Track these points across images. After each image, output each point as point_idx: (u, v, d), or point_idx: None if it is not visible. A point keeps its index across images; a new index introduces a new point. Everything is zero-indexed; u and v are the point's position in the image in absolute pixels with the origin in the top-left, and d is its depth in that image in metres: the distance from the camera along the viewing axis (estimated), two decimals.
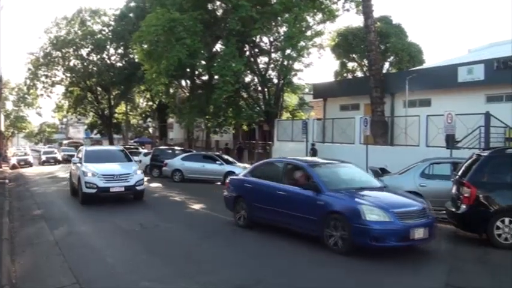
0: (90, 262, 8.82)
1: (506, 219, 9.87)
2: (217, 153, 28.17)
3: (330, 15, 30.52)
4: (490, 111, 19.60)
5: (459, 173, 11.11)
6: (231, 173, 23.71)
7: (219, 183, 23.79)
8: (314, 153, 25.42)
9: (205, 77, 33.87)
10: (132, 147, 40.27)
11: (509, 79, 22.20)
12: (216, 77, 29.96)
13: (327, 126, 28.26)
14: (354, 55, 37.06)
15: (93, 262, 8.82)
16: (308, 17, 29.74)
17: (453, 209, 10.86)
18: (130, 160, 18.13)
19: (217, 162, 25.02)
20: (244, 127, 36.76)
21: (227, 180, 14.11)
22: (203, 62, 30.10)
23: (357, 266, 8.55)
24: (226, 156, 26.52)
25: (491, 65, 23.00)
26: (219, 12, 32.42)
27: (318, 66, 62.44)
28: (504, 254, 9.52)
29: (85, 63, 48.97)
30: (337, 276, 8.07)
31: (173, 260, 8.99)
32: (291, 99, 37.21)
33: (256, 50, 32.71)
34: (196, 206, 16.43)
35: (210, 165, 25.03)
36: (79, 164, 17.11)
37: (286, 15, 28.44)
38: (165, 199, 18.41)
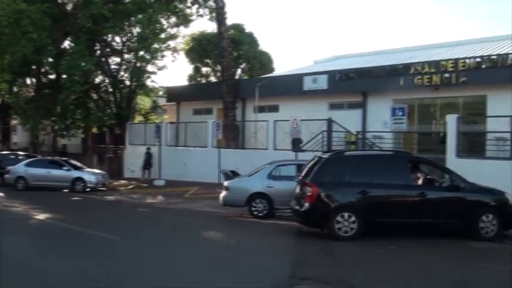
0: None
1: (346, 214, 10.75)
2: (65, 158, 26.43)
3: (184, 20, 30.51)
4: (332, 117, 21.22)
5: (302, 174, 11.83)
6: (79, 179, 22.58)
7: (66, 190, 22.47)
8: (149, 157, 25.26)
9: (52, 76, 31.50)
10: None
11: (350, 89, 24.28)
12: (64, 76, 28.11)
13: (180, 130, 28.27)
14: (208, 60, 37.58)
15: None
16: (162, 20, 29.39)
17: (297, 207, 11.53)
18: None
19: (64, 167, 23.32)
20: (94, 130, 35.09)
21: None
22: (50, 60, 28.00)
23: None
24: (74, 162, 25.12)
25: (334, 76, 24.92)
26: (69, 7, 30.50)
27: (172, 70, 63.14)
28: (344, 245, 10.41)
29: None
30: None
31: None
32: (143, 102, 36.42)
33: (108, 49, 31.33)
34: (41, 216, 15.18)
35: (57, 171, 23.26)
36: None
37: (140, 16, 27.79)
38: (6, 210, 16.62)
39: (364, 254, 9.88)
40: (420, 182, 11.94)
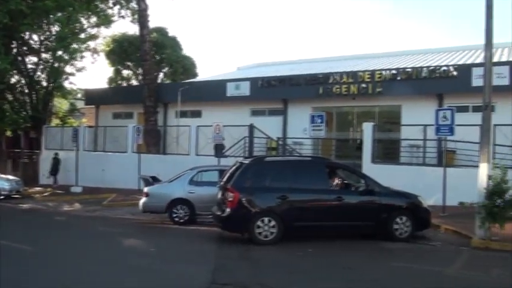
0: None
1: (266, 219, 10.88)
2: None
3: (105, 20, 29.64)
4: (254, 123, 21.44)
5: (224, 180, 11.85)
6: None
7: None
8: (56, 163, 24.31)
9: None
10: None
11: (272, 96, 24.68)
12: None
13: (99, 134, 27.45)
14: (129, 63, 36.82)
15: None
16: (82, 19, 28.41)
17: (219, 213, 11.53)
18: None
19: None
20: (9, 133, 33.11)
21: None
22: None
23: None
24: None
25: (256, 83, 25.23)
26: None
27: (92, 72, 61.16)
28: (264, 249, 10.51)
29: None
30: None
31: None
32: (61, 104, 35.00)
33: (25, 48, 29.67)
34: None
35: None
36: None
37: (59, 14, 26.60)
38: None
39: (284, 257, 10.04)
40: (337, 186, 12.32)
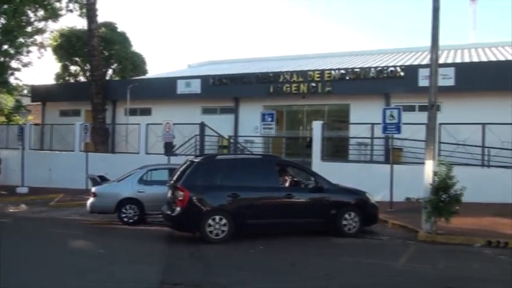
0: None
1: (217, 217, 10.82)
2: None
3: (53, 13, 28.59)
4: (205, 121, 21.30)
5: (174, 178, 11.73)
6: None
7: None
8: None
9: None
10: None
11: (223, 94, 24.63)
12: None
13: (46, 133, 26.62)
14: (77, 58, 35.71)
15: None
16: (29, 12, 27.35)
17: (169, 212, 11.39)
18: None
19: None
20: None
21: None
22: None
23: None
24: None
25: (207, 81, 25.09)
26: None
27: (38, 67, 58.67)
28: (215, 247, 10.46)
29: None
30: None
31: None
32: (6, 101, 33.67)
33: None
34: None
35: None
36: None
37: (5, 6, 25.47)
38: None
39: (235, 255, 10.03)
40: (287, 184, 12.41)
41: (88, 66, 32.13)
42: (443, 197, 11.09)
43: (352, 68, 22.85)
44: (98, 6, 26.31)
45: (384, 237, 11.72)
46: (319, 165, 17.07)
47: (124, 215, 14.04)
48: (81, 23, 36.05)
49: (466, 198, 11.17)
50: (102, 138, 25.20)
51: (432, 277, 8.28)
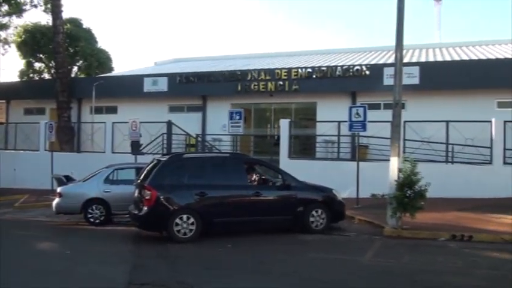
0: None
1: (184, 216, 10.77)
2: None
3: (17, 9, 28.06)
4: (172, 120, 21.18)
5: (141, 177, 11.63)
6: None
7: None
8: None
9: None
10: None
11: (190, 92, 24.52)
12: None
13: (10, 132, 25.91)
14: (41, 55, 35.07)
15: None
16: None
17: (136, 212, 11.30)
18: None
19: None
20: None
21: None
22: None
23: None
24: None
25: (174, 79, 24.93)
26: None
27: (2, 64, 57.14)
28: (183, 246, 10.41)
29: None
30: None
31: None
32: None
33: None
34: None
35: None
36: None
37: None
38: None
39: (203, 254, 10.00)
40: (255, 182, 12.46)
41: (53, 63, 31.59)
42: (408, 193, 11.30)
43: (319, 67, 23.05)
44: (63, 1, 25.92)
45: (351, 233, 11.87)
46: (286, 163, 17.18)
47: (90, 216, 13.83)
48: (46, 19, 35.43)
49: (431, 193, 11.41)
50: (68, 137, 24.79)
51: (398, 271, 8.43)
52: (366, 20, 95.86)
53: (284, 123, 18.71)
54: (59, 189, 14.33)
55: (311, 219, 11.78)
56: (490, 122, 16.17)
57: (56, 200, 14.18)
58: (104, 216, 13.84)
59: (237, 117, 17.90)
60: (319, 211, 11.88)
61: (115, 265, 9.01)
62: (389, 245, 10.61)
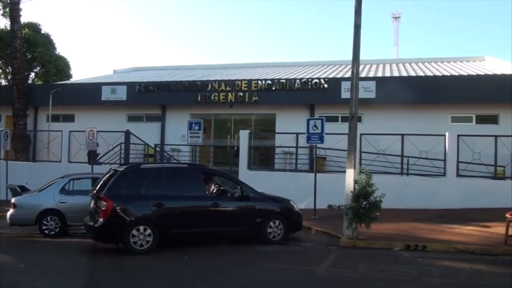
0: None
1: (141, 227, 10.68)
2: None
3: None
4: (130, 129, 20.97)
5: (97, 188, 11.48)
6: None
7: None
8: None
9: None
10: None
11: (149, 102, 24.36)
12: None
13: None
14: None
15: None
16: None
17: (91, 223, 11.12)
18: None
19: None
20: None
21: None
22: None
23: None
24: None
25: (133, 88, 24.69)
26: None
27: None
28: (140, 258, 10.32)
29: None
30: None
31: None
32: None
33: None
34: None
35: None
36: None
37: None
38: None
39: (160, 265, 9.95)
40: (214, 193, 12.51)
41: (10, 69, 30.81)
42: (364, 204, 11.58)
43: (279, 79, 23.31)
44: (21, 6, 25.36)
45: (308, 244, 12.05)
46: (246, 174, 17.27)
47: (45, 227, 13.49)
48: (3, 23, 34.53)
49: (386, 204, 11.72)
50: (23, 146, 24.20)
51: (353, 280, 8.62)
52: (326, 34, 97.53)
53: (244, 134, 18.82)
54: (13, 200, 13.94)
55: (269, 230, 11.89)
56: (444, 135, 16.74)
57: (10, 211, 13.77)
58: (59, 227, 13.50)
59: (197, 127, 17.89)
60: (277, 222, 12.00)
61: (70, 278, 8.85)
62: (345, 255, 10.83)
